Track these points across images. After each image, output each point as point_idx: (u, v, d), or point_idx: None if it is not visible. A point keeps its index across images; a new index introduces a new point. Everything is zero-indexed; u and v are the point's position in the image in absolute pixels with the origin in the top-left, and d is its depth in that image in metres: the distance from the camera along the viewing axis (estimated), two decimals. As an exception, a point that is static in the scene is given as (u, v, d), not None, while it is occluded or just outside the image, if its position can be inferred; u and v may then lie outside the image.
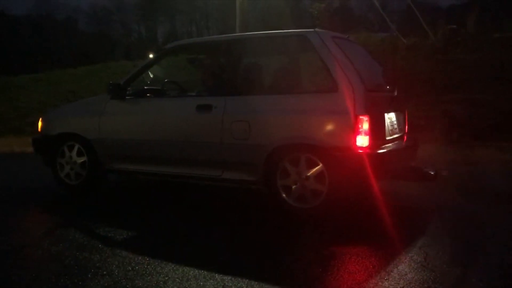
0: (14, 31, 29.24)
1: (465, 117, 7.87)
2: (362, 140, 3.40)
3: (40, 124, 4.91)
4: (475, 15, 10.83)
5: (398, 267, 2.65)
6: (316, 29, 3.84)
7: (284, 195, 3.65)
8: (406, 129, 4.40)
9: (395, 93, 4.19)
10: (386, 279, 2.48)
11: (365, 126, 3.41)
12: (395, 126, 4.02)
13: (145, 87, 4.53)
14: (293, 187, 3.61)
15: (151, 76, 4.77)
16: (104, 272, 2.61)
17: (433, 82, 8.93)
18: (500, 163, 5.90)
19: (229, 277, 2.51)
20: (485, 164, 5.87)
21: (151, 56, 4.79)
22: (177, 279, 2.51)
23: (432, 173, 4.12)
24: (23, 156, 7.75)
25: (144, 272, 2.60)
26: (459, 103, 8.28)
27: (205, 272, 2.58)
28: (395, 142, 3.96)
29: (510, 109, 7.78)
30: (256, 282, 2.45)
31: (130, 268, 2.66)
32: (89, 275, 2.56)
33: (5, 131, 11.20)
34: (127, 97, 4.41)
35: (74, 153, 4.58)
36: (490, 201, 4.23)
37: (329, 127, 3.50)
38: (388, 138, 3.81)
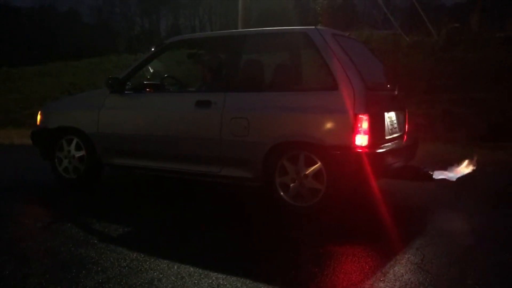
0: (16, 23, 29.18)
1: (466, 117, 7.84)
2: (361, 139, 3.39)
3: (39, 117, 4.89)
4: (478, 14, 10.77)
5: (395, 268, 2.63)
6: (317, 27, 3.81)
7: (282, 193, 3.64)
8: (406, 128, 4.38)
9: (396, 92, 4.16)
10: (382, 280, 2.47)
11: (365, 125, 3.39)
12: (395, 125, 4.00)
13: (145, 82, 4.51)
14: (291, 185, 3.59)
15: (151, 70, 4.75)
16: (99, 269, 2.60)
17: (434, 81, 8.88)
18: (500, 164, 5.87)
19: (224, 276, 2.50)
20: (485, 164, 5.84)
21: (152, 49, 4.76)
22: (172, 277, 2.49)
23: (431, 173, 4.11)
24: (23, 148, 7.74)
25: (139, 269, 2.59)
26: (460, 102, 8.24)
27: (200, 270, 2.57)
28: (395, 141, 3.94)
29: (511, 109, 7.74)
30: (251, 281, 2.44)
31: (125, 265, 2.65)
32: (84, 271, 2.55)
33: (5, 122, 11.19)
34: (126, 92, 4.40)
35: (72, 147, 4.57)
36: (488, 202, 4.21)
37: (329, 125, 3.48)
38: (387, 137, 3.79)
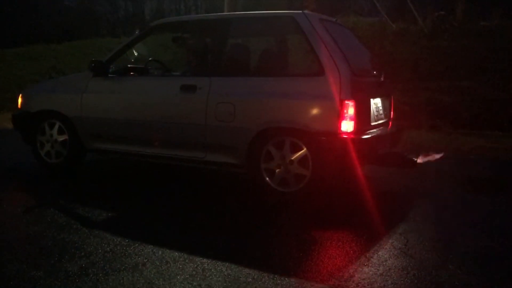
0: (-5, 3, 28.36)
1: (449, 105, 7.91)
2: (347, 125, 3.39)
3: (20, 100, 4.79)
4: (463, 3, 10.81)
5: (379, 253, 2.66)
6: (304, 11, 3.78)
7: (267, 179, 3.63)
8: (392, 115, 4.40)
9: (382, 79, 4.17)
10: (366, 265, 2.49)
11: (350, 111, 3.39)
12: (381, 111, 4.01)
13: (129, 65, 4.44)
14: (277, 170, 3.59)
15: (135, 54, 4.67)
16: (82, 253, 2.57)
17: (419, 68, 8.93)
18: (482, 151, 5.96)
19: (209, 260, 2.50)
20: (467, 151, 5.93)
21: (137, 33, 4.68)
22: (156, 262, 2.48)
23: (415, 159, 4.14)
24: (3, 132, 7.59)
25: (122, 254, 2.57)
26: (444, 90, 8.31)
27: (185, 255, 2.56)
28: (380, 127, 3.96)
29: (494, 98, 7.84)
30: (236, 266, 2.44)
31: (108, 250, 2.63)
32: (67, 256, 2.53)
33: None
34: (110, 75, 4.32)
35: (54, 131, 4.49)
36: (471, 189, 4.27)
37: (315, 111, 3.47)
38: (373, 123, 3.81)
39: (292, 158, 3.52)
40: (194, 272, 2.37)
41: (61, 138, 4.47)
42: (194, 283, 2.25)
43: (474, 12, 10.67)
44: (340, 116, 3.37)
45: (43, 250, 2.61)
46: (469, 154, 5.82)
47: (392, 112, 4.40)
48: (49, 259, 2.49)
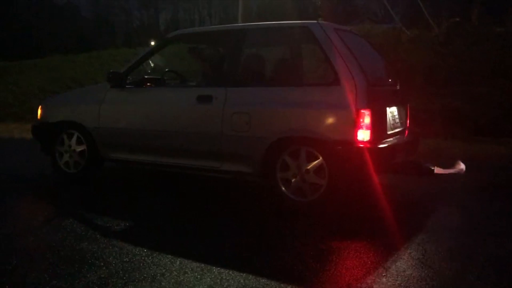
0: (13, 16, 28.98)
1: (466, 111, 7.83)
2: (363, 135, 3.38)
3: (39, 111, 4.88)
4: (478, 9, 10.74)
5: (397, 263, 2.64)
6: (319, 21, 3.80)
7: (283, 188, 3.64)
8: (408, 123, 4.37)
9: (398, 87, 4.16)
10: (384, 275, 2.48)
11: (367, 120, 3.38)
12: (397, 120, 3.99)
13: (146, 76, 4.50)
14: (293, 180, 3.59)
15: (152, 65, 4.74)
16: (101, 263, 2.60)
17: (434, 75, 8.87)
18: (500, 158, 5.88)
19: (227, 271, 2.50)
20: (485, 159, 5.86)
21: (152, 44, 4.75)
22: (174, 272, 2.50)
23: (432, 168, 4.11)
24: (22, 142, 7.73)
25: (141, 264, 2.59)
26: (460, 96, 8.23)
27: (203, 265, 2.57)
28: (397, 136, 3.94)
29: (510, 104, 7.74)
30: (254, 276, 2.44)
31: (127, 260, 2.65)
32: (86, 266, 2.56)
33: (4, 116, 11.16)
34: (127, 86, 4.39)
35: (73, 141, 4.56)
36: (489, 197, 4.22)
37: (330, 120, 3.48)
38: (389, 132, 3.79)
39: (308, 168, 3.53)
40: (212, 282, 2.37)
41: (80, 148, 4.54)
42: (212, 294, 2.26)
43: (489, 17, 10.58)
44: (356, 125, 3.37)
45: (63, 260, 2.65)
46: (487, 161, 5.75)
47: (408, 121, 4.38)
48: (69, 268, 2.52)
